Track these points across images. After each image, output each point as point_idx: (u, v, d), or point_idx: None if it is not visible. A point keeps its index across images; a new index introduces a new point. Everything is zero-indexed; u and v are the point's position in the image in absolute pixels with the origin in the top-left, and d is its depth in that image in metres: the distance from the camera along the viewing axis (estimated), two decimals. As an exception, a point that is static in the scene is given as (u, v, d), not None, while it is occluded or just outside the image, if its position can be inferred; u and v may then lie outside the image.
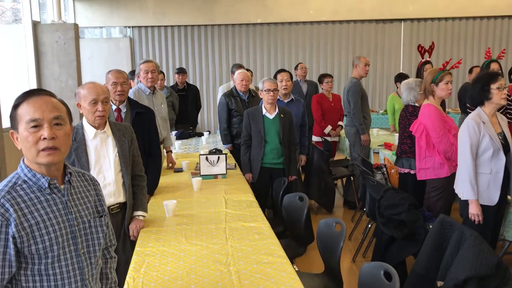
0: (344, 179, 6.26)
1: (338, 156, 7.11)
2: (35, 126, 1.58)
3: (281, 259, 2.39)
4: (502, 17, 10.27)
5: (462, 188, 3.27)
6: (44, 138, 1.58)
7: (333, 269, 2.81)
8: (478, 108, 3.29)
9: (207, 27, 10.28)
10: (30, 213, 1.57)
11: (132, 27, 10.21)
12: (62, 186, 1.68)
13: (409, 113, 4.17)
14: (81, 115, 2.87)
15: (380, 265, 2.17)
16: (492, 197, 3.22)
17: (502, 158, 3.19)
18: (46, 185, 1.62)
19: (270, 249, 2.52)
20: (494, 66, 5.27)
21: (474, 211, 3.21)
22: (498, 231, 3.41)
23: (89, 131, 2.82)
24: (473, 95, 3.29)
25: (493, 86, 3.17)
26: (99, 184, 1.87)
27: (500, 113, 4.64)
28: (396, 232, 3.33)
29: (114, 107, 3.58)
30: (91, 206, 1.77)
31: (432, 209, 3.80)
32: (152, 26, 10.20)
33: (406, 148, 4.17)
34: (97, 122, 2.81)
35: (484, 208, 3.23)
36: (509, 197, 3.32)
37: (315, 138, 6.64)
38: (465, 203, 3.28)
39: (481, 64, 5.71)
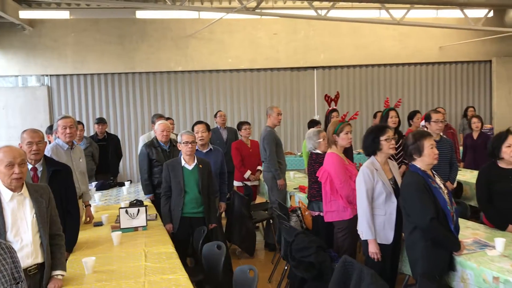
0: (265, 222, 6.53)
1: (259, 199, 7.39)
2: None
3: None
4: (403, 64, 11.42)
5: (362, 229, 3.64)
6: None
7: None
8: (372, 157, 3.71)
9: (127, 75, 10.39)
10: None
11: (50, 75, 10.09)
12: (-22, 258, 1.77)
13: (313, 160, 4.58)
14: (-3, 178, 2.90)
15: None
16: (388, 237, 3.59)
17: (394, 201, 3.60)
18: (-37, 258, 1.71)
19: (187, 300, 2.68)
20: (392, 114, 5.89)
21: (372, 249, 3.57)
22: (397, 266, 3.79)
23: (5, 194, 2.86)
24: (366, 146, 3.72)
25: (382, 138, 3.61)
26: (15, 252, 1.97)
27: (397, 161, 5.21)
28: (306, 273, 3.61)
29: (30, 166, 3.59)
30: (8, 274, 1.86)
31: (340, 248, 4.15)
32: (71, 75, 10.14)
33: (314, 193, 4.55)
34: (14, 184, 2.85)
35: (382, 247, 3.60)
36: (403, 234, 3.72)
37: (236, 183, 6.90)
38: (366, 242, 3.64)
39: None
